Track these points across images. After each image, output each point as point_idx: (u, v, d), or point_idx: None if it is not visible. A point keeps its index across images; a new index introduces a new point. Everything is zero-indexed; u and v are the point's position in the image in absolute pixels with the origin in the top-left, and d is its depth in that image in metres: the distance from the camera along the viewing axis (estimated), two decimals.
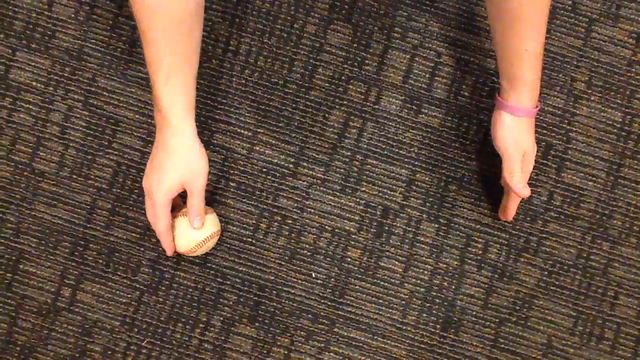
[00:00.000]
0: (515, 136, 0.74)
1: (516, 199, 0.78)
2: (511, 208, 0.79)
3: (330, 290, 0.82)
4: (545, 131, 0.83)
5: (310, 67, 0.83)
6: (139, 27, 0.65)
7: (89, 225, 0.82)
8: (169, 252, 0.75)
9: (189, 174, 0.70)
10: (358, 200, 0.83)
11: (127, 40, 0.83)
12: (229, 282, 0.81)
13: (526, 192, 0.74)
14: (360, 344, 0.81)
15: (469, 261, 0.82)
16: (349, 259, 0.82)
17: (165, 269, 0.81)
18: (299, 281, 0.82)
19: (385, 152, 0.83)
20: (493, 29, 0.71)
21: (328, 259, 0.82)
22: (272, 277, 0.82)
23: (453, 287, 0.82)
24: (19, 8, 0.83)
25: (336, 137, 0.83)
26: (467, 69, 0.84)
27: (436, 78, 0.84)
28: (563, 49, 0.84)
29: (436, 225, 0.83)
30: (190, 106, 0.69)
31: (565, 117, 0.84)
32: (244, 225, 0.82)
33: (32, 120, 0.82)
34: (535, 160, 0.77)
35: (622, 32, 0.84)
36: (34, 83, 0.83)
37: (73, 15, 0.83)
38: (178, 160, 0.70)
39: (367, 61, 0.84)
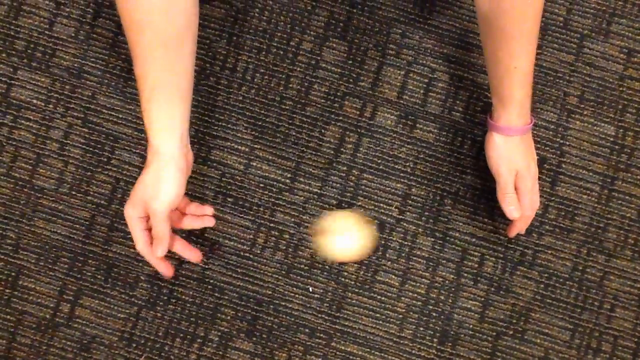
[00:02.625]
0: (507, 156, 0.74)
1: (526, 219, 0.77)
2: (518, 227, 0.78)
3: (327, 305, 0.82)
4: (539, 145, 0.84)
5: (306, 84, 0.85)
6: (128, 43, 0.65)
7: (87, 241, 0.82)
8: (161, 272, 0.71)
9: (149, 195, 0.67)
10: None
11: (126, 59, 0.84)
12: (226, 297, 0.82)
13: (516, 214, 0.74)
14: (358, 358, 0.82)
15: (465, 275, 0.83)
16: (345, 273, 0.83)
17: (163, 284, 0.82)
18: (296, 296, 0.82)
19: (381, 167, 0.84)
20: (484, 45, 0.72)
21: (325, 273, 0.83)
22: (270, 292, 0.82)
23: (450, 300, 0.83)
24: (20, 27, 0.85)
25: (332, 152, 0.84)
26: (461, 84, 0.85)
27: (430, 94, 0.85)
28: (555, 64, 0.85)
29: (432, 239, 0.83)
30: (173, 125, 0.67)
31: (558, 132, 0.85)
32: (242, 240, 0.83)
33: (32, 137, 0.83)
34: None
35: (613, 48, 0.86)
36: (35, 101, 0.84)
37: (73, 35, 0.85)
38: (146, 178, 0.67)
39: (362, 77, 0.85)
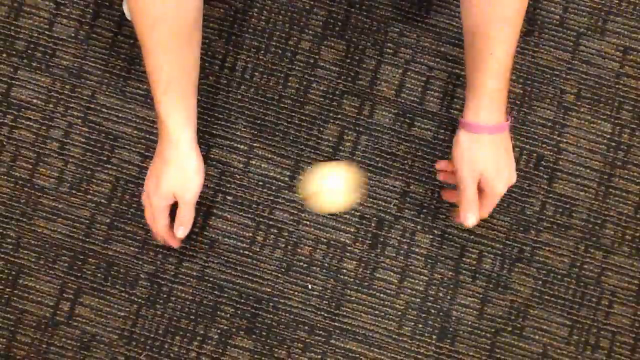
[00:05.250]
0: (469, 157, 0.67)
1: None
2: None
3: (327, 302, 0.83)
4: (536, 142, 0.85)
5: (304, 83, 0.85)
6: (139, 38, 0.66)
7: (87, 240, 0.83)
8: (174, 245, 0.77)
9: (180, 186, 0.71)
10: (353, 212, 0.84)
11: (125, 58, 0.85)
12: (226, 295, 0.82)
13: (471, 222, 0.68)
14: (357, 355, 0.82)
15: (464, 271, 0.83)
16: (344, 271, 0.83)
17: (163, 282, 0.82)
18: (296, 293, 0.83)
19: (380, 165, 0.84)
20: (464, 33, 0.69)
21: (324, 270, 0.83)
22: (269, 289, 0.82)
23: (448, 297, 0.83)
24: (20, 28, 0.85)
25: (331, 150, 0.84)
26: (459, 82, 0.86)
27: (428, 92, 0.86)
28: (552, 62, 0.86)
29: (430, 236, 0.84)
30: (189, 116, 0.70)
31: (555, 129, 0.85)
32: (241, 238, 0.83)
33: (33, 137, 0.84)
34: (515, 183, 0.70)
35: (609, 45, 0.86)
36: (35, 100, 0.84)
37: (73, 35, 0.85)
38: (172, 170, 0.70)
39: (360, 76, 0.85)
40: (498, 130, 0.67)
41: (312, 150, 0.84)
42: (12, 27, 0.85)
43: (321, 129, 0.85)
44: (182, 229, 0.73)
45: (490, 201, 0.69)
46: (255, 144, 0.84)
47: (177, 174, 0.70)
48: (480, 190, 0.69)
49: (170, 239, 0.76)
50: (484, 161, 0.67)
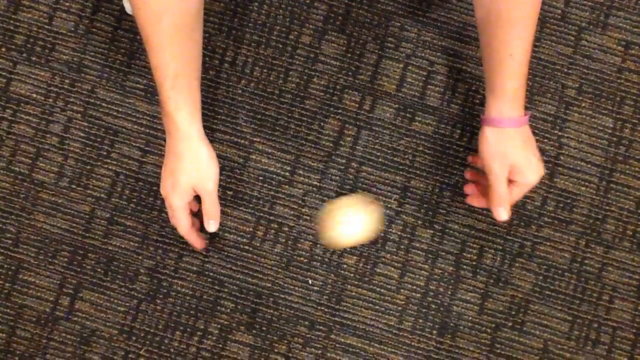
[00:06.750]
0: (500, 151, 0.69)
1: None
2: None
3: (327, 297, 0.82)
4: (537, 137, 0.85)
5: (305, 77, 0.85)
6: (143, 34, 0.65)
7: (87, 235, 0.83)
8: (198, 247, 0.77)
9: (198, 179, 0.70)
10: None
11: (125, 53, 0.85)
12: (226, 290, 0.82)
13: (504, 216, 0.71)
14: (357, 350, 0.82)
15: (464, 267, 0.83)
16: (345, 266, 0.83)
17: (163, 277, 0.82)
18: (296, 288, 0.82)
19: (380, 160, 0.84)
20: (480, 33, 0.71)
21: (324, 265, 0.83)
22: (269, 285, 0.82)
23: (449, 292, 0.83)
24: (20, 22, 0.85)
25: (331, 145, 0.84)
26: (460, 77, 0.85)
27: (429, 86, 0.85)
28: (553, 56, 0.86)
29: (431, 231, 0.83)
30: (197, 109, 0.70)
31: (556, 124, 0.85)
32: (241, 233, 0.83)
33: (32, 131, 0.84)
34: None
35: (611, 40, 0.86)
36: (34, 95, 0.84)
37: (73, 29, 0.85)
38: (187, 165, 0.70)
39: (361, 70, 0.85)
40: (521, 123, 0.69)
41: (313, 145, 0.84)
42: (12, 21, 0.85)
43: (322, 123, 0.84)
44: (213, 223, 0.73)
45: (521, 191, 0.71)
46: (255, 139, 0.84)
47: (193, 166, 0.70)
48: (509, 182, 0.71)
49: (195, 240, 0.75)
50: (514, 153, 0.69)
